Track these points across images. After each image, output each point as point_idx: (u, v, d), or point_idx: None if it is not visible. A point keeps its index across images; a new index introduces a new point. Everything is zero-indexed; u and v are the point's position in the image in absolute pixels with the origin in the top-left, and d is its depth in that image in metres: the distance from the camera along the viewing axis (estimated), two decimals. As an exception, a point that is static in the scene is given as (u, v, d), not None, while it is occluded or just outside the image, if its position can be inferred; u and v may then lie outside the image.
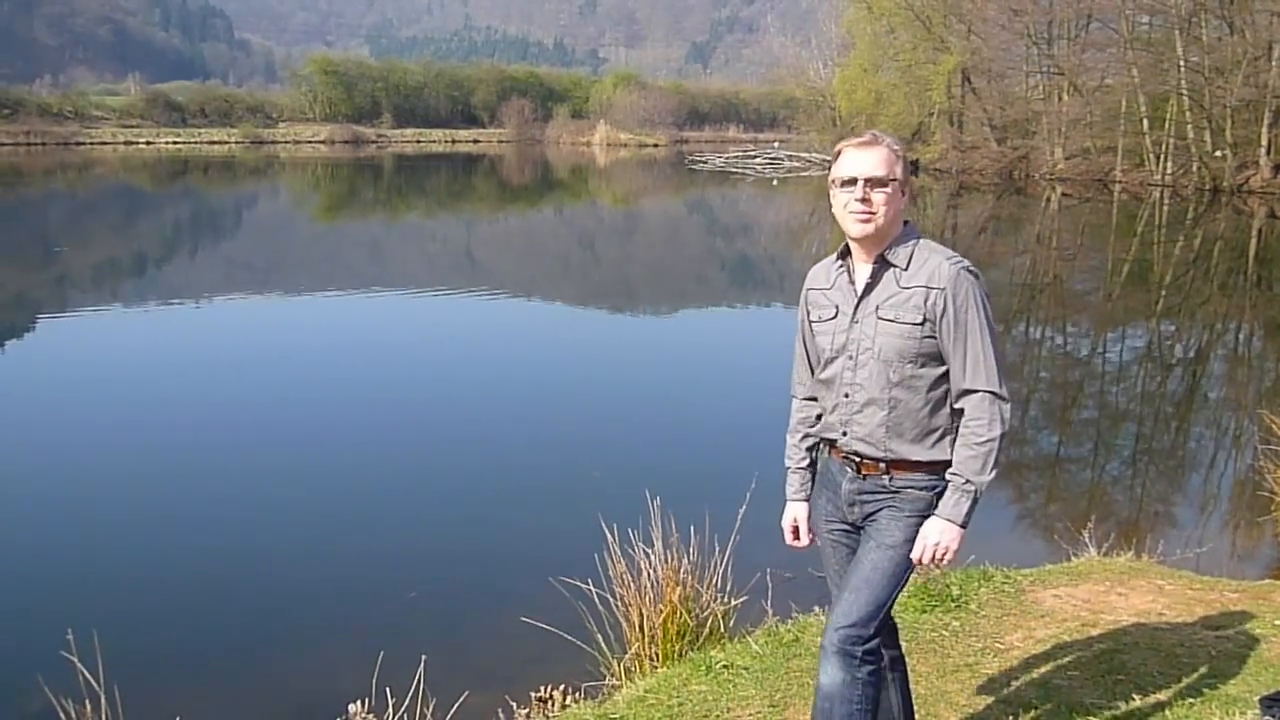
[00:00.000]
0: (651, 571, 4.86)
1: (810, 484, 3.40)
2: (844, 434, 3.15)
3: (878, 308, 3.05)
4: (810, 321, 3.27)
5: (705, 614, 4.92)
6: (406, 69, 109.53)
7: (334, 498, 8.10)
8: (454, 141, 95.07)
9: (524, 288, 20.16)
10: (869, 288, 3.08)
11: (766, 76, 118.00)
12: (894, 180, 3.02)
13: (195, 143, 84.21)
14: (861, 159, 3.02)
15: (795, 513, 3.42)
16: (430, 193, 47.92)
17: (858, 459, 3.14)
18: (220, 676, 5.39)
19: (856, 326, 3.09)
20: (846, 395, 3.12)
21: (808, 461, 3.40)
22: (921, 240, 3.10)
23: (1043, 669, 4.43)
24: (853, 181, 3.01)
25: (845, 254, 3.18)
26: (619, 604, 4.87)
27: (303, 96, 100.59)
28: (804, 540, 3.42)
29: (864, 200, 2.99)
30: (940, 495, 3.05)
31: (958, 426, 3.07)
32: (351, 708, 4.32)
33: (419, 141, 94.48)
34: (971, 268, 3.06)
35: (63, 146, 77.06)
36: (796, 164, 61.99)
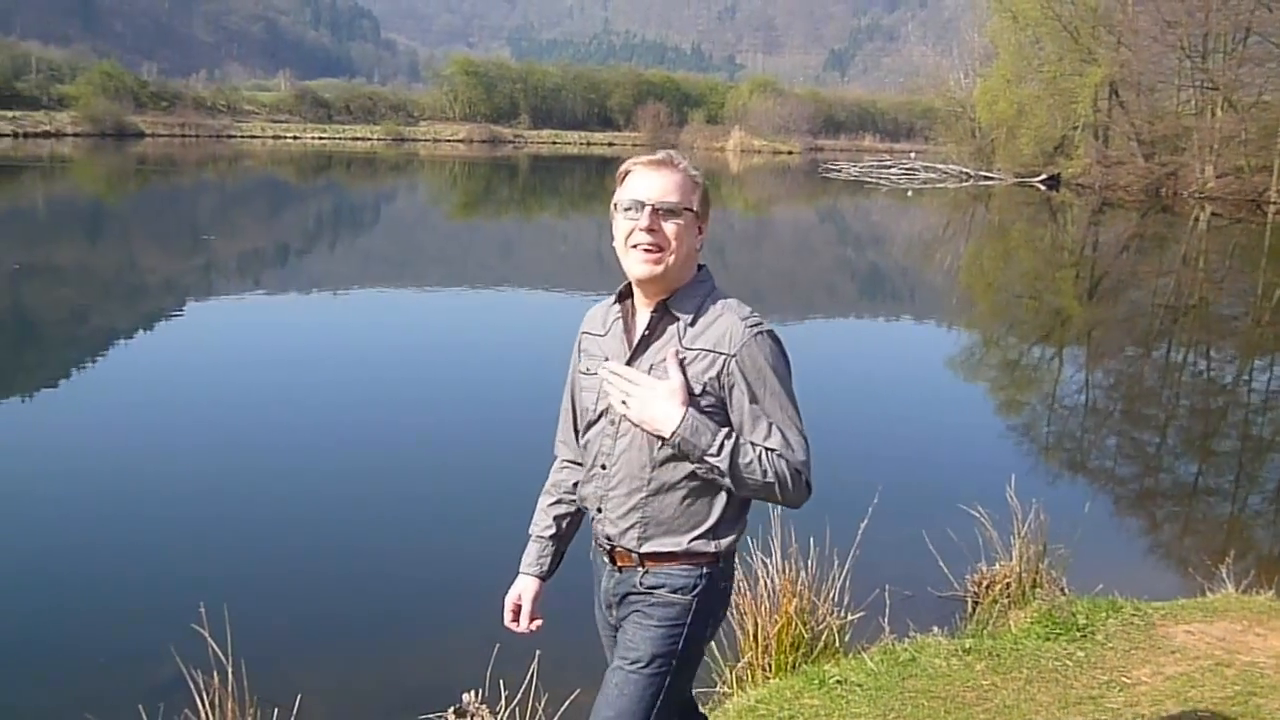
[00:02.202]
0: (769, 581, 4.84)
1: (551, 559, 2.88)
2: (598, 510, 2.65)
3: (652, 367, 2.53)
4: (580, 372, 2.75)
5: (821, 627, 4.87)
6: (545, 71, 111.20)
7: (458, 491, 8.23)
8: (589, 144, 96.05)
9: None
10: (645, 341, 2.57)
11: (905, 85, 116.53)
12: (689, 211, 2.53)
13: (339, 139, 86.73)
14: (652, 181, 2.53)
15: (520, 589, 2.86)
16: (563, 194, 48.49)
17: (610, 546, 2.65)
18: (340, 658, 5.53)
19: None
20: (603, 467, 2.62)
21: (553, 531, 2.87)
22: (716, 292, 2.60)
23: (1171, 707, 4.27)
24: (639, 207, 2.51)
25: (625, 295, 2.67)
26: (734, 611, 4.85)
27: (444, 96, 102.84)
28: (524, 625, 2.86)
29: (651, 230, 2.48)
30: (699, 596, 2.58)
31: (727, 518, 2.58)
32: (465, 697, 4.39)
33: (554, 143, 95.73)
34: (770, 330, 2.56)
35: (215, 139, 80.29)
36: (932, 175, 60.98)
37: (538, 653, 4.33)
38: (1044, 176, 55.59)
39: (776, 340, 2.55)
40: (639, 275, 2.53)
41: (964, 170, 60.61)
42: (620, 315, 2.65)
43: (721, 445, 2.44)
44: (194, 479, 8.23)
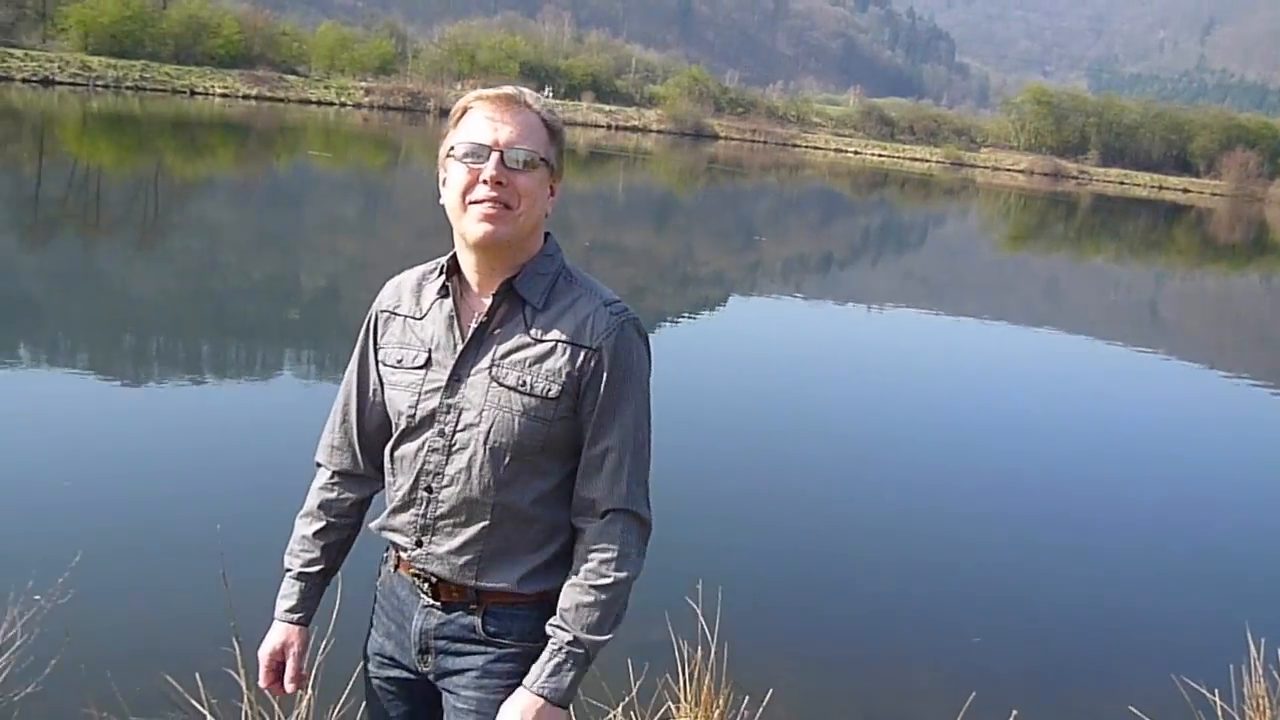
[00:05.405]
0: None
1: (315, 599, 2.28)
2: (418, 544, 2.11)
3: (495, 364, 2.02)
4: (380, 362, 2.16)
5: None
6: (1123, 106, 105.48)
7: (949, 523, 8.03)
8: (1160, 188, 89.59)
9: (1205, 355, 18.51)
10: (484, 330, 2.04)
11: None
12: (545, 163, 2.00)
13: (898, 158, 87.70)
14: (500, 122, 1.97)
15: (280, 639, 2.25)
16: (1123, 238, 45.61)
17: (434, 580, 2.11)
18: (814, 659, 5.59)
19: (460, 388, 2.04)
20: (429, 490, 2.08)
21: (321, 566, 2.25)
22: (568, 269, 2.11)
23: None
24: (483, 153, 1.95)
25: (452, 270, 2.10)
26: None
27: (1010, 124, 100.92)
28: (289, 686, 2.26)
29: (498, 183, 1.94)
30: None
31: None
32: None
33: (1122, 183, 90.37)
34: (636, 319, 2.08)
35: (781, 147, 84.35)
36: None
37: (1014, 713, 4.13)
38: None
39: (643, 332, 2.10)
40: (479, 239, 1.97)
41: None
42: (446, 294, 2.10)
43: (581, 645, 2.00)
44: (715, 463, 8.67)
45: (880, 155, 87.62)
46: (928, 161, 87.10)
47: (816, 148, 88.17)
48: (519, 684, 2.05)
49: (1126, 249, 40.46)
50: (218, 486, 6.89)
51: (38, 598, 3.78)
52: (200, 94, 56.44)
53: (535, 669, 2.01)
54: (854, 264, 26.90)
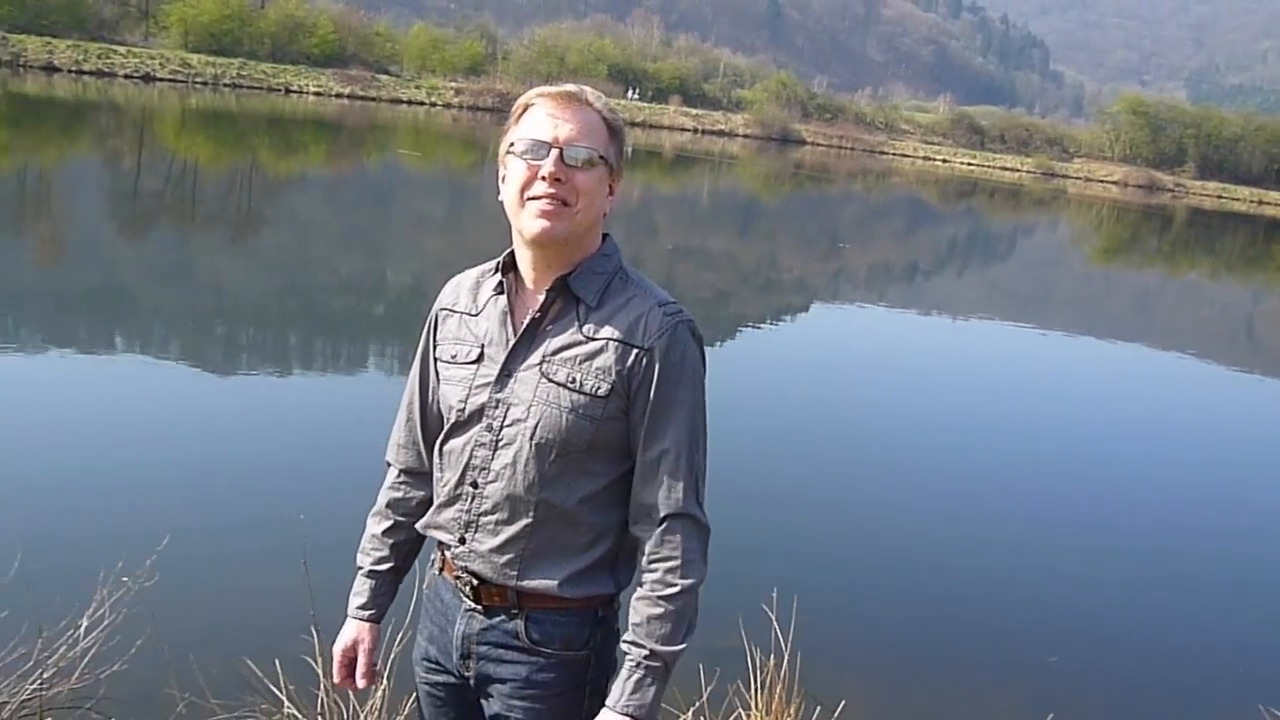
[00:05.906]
0: None
1: (387, 597, 2.32)
2: (461, 540, 2.10)
3: (545, 360, 2.02)
4: (438, 359, 2.18)
5: None
6: (1223, 118, 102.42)
7: (1031, 539, 7.88)
8: (1260, 203, 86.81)
9: (1305, 374, 17.98)
10: (536, 326, 2.04)
11: None
12: (604, 162, 2.00)
13: (987, 167, 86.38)
14: (560, 119, 1.97)
15: (352, 635, 2.30)
16: (1220, 254, 44.36)
17: (476, 581, 2.09)
18: (889, 677, 5.52)
19: (509, 383, 2.04)
20: (475, 485, 2.07)
21: (391, 564, 2.29)
22: (625, 269, 2.08)
23: None
24: (542, 149, 1.95)
25: (508, 267, 2.11)
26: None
27: (1105, 134, 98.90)
28: (361, 681, 2.31)
29: (557, 180, 1.94)
30: (600, 648, 2.10)
31: (628, 548, 2.08)
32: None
33: (1220, 197, 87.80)
34: (692, 321, 2.05)
35: (867, 153, 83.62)
36: None
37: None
38: None
39: (697, 334, 2.07)
40: (535, 235, 1.98)
41: None
42: (501, 291, 2.11)
43: (658, 658, 1.98)
44: (795, 470, 8.61)
45: (969, 164, 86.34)
46: (1018, 171, 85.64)
47: (905, 155, 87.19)
48: (562, 694, 2.08)
49: (1223, 265, 39.40)
50: (303, 477, 7.01)
51: (125, 579, 3.87)
52: (295, 92, 57.60)
53: (616, 688, 1.99)
54: (939, 274, 26.56)
